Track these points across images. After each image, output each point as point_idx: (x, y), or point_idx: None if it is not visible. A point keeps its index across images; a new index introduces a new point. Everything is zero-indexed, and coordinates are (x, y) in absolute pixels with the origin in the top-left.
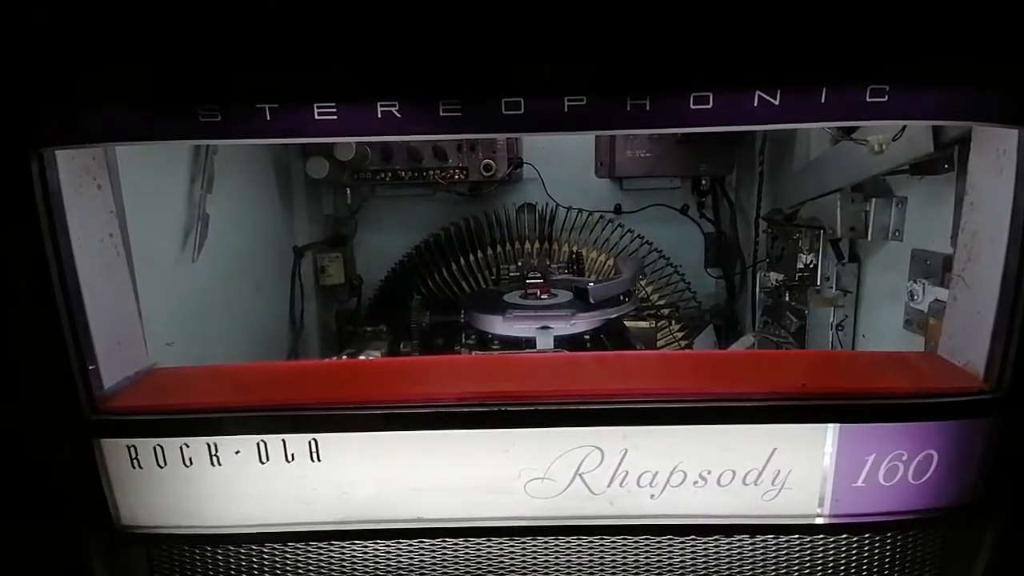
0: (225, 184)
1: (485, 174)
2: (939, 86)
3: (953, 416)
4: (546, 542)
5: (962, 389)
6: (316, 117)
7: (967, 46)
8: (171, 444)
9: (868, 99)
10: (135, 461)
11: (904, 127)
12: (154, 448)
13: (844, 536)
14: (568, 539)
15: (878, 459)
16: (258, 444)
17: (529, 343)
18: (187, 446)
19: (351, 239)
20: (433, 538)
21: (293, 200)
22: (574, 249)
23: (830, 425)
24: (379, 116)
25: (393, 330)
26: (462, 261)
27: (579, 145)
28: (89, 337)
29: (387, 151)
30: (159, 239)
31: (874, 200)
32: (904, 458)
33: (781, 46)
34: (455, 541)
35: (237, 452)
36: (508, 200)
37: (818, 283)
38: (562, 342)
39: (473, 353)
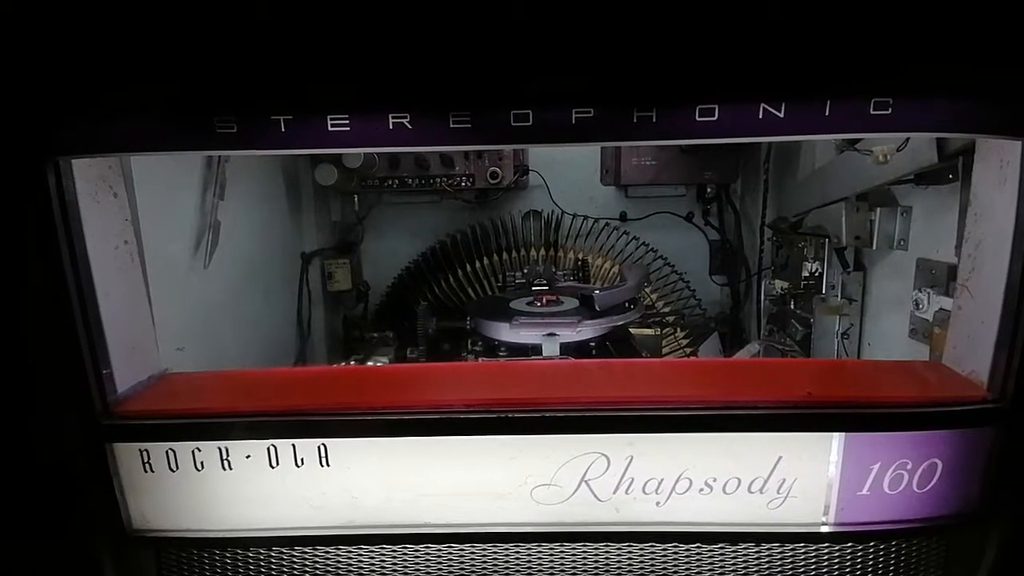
0: (236, 191)
1: (491, 181)
2: (943, 99)
3: (957, 425)
4: (551, 548)
5: (966, 398)
6: (329, 128)
7: (970, 59)
8: (183, 448)
9: (872, 111)
10: (147, 465)
11: (908, 138)
12: (166, 452)
13: (849, 544)
14: (574, 545)
15: (883, 467)
16: (268, 449)
17: (535, 350)
18: (199, 450)
19: (358, 246)
20: (440, 543)
21: (302, 207)
22: (580, 256)
23: (835, 434)
24: (391, 127)
25: (400, 336)
26: (468, 268)
27: (585, 153)
28: (104, 342)
29: (394, 159)
30: (172, 246)
31: (879, 209)
32: (909, 467)
33: (786, 59)
34: (461, 547)
35: (248, 457)
36: (514, 207)
37: (823, 291)
38: (568, 349)
39: (479, 360)
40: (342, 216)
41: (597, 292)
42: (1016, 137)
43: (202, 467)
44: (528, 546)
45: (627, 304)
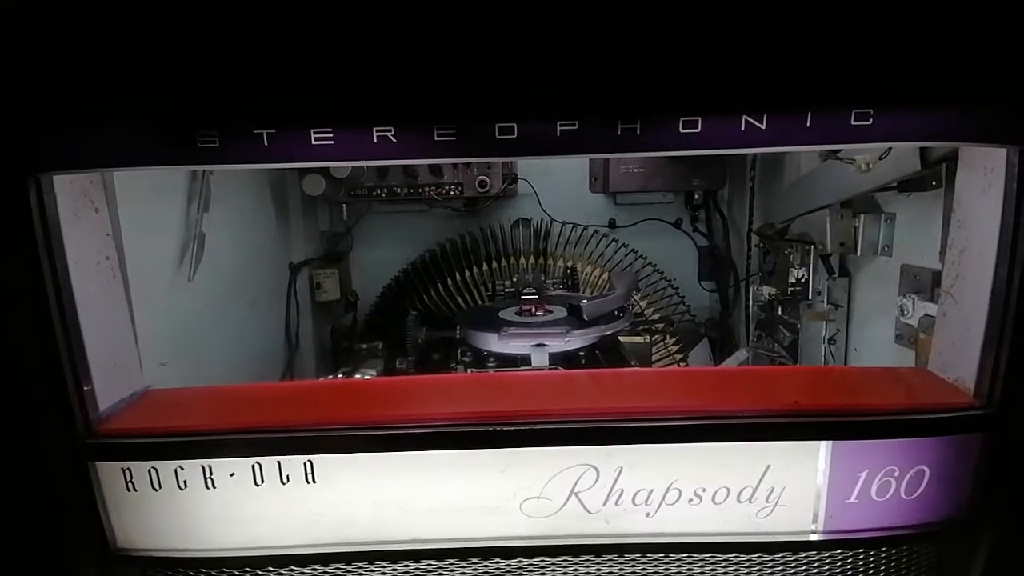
0: (221, 202)
1: (480, 190)
2: (924, 109)
3: (944, 432)
4: (542, 561)
5: (952, 405)
6: (313, 142)
7: (951, 68)
8: (166, 467)
9: (853, 123)
10: (130, 484)
11: (890, 147)
12: (149, 471)
13: (838, 552)
14: (564, 558)
15: (870, 475)
16: (253, 466)
17: (524, 360)
18: (182, 469)
19: (347, 255)
20: (429, 559)
21: (289, 217)
22: (569, 264)
23: (823, 442)
24: (375, 141)
25: (389, 346)
26: (458, 277)
27: (573, 161)
28: (85, 359)
29: (383, 168)
30: (155, 259)
31: (863, 216)
32: (896, 474)
33: (767, 72)
34: (451, 561)
35: (232, 475)
36: (503, 215)
37: (810, 297)
38: (557, 359)
39: (468, 371)
40: (330, 226)
41: (585, 302)
42: (1000, 144)
43: (185, 486)
44: (518, 559)
45: (616, 312)
